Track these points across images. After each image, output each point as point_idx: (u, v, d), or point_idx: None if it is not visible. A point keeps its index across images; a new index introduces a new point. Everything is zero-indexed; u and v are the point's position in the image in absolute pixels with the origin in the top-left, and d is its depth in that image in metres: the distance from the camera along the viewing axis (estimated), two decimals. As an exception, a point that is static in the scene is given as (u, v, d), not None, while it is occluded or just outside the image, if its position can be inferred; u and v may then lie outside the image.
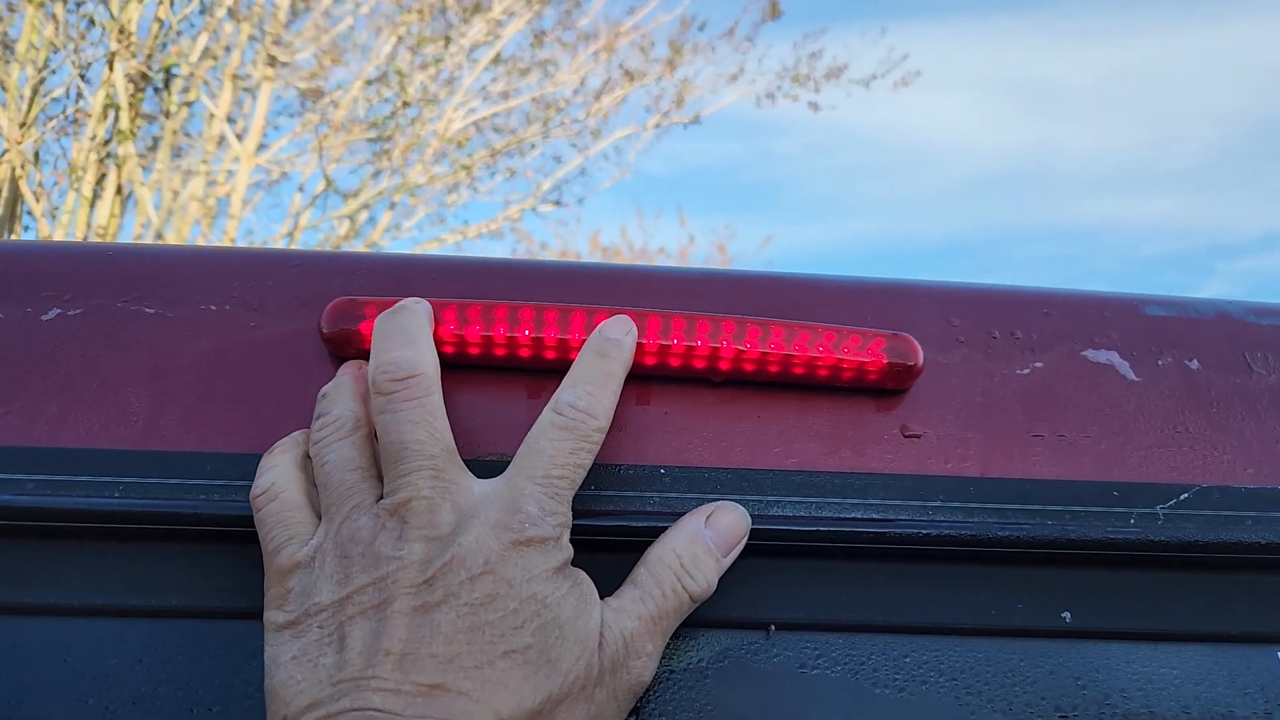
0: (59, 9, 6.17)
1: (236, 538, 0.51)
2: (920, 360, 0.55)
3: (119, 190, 6.62)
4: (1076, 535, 0.51)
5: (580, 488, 0.52)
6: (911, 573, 0.52)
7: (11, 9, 6.25)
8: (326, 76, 7.67)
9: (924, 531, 0.51)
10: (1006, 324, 0.62)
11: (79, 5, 6.36)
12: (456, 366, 0.57)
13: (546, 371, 0.58)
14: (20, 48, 6.50)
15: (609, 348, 0.52)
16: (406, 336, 0.50)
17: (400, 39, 7.26)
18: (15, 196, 5.96)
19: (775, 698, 0.49)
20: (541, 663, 0.42)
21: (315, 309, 0.59)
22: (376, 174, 7.47)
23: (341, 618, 0.42)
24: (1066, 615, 0.51)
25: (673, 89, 7.34)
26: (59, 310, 0.59)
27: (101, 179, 6.33)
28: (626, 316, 0.55)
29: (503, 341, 0.56)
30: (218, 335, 0.58)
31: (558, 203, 7.68)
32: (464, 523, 0.45)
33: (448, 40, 7.17)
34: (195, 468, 0.52)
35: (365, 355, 0.57)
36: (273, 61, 7.09)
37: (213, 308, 0.60)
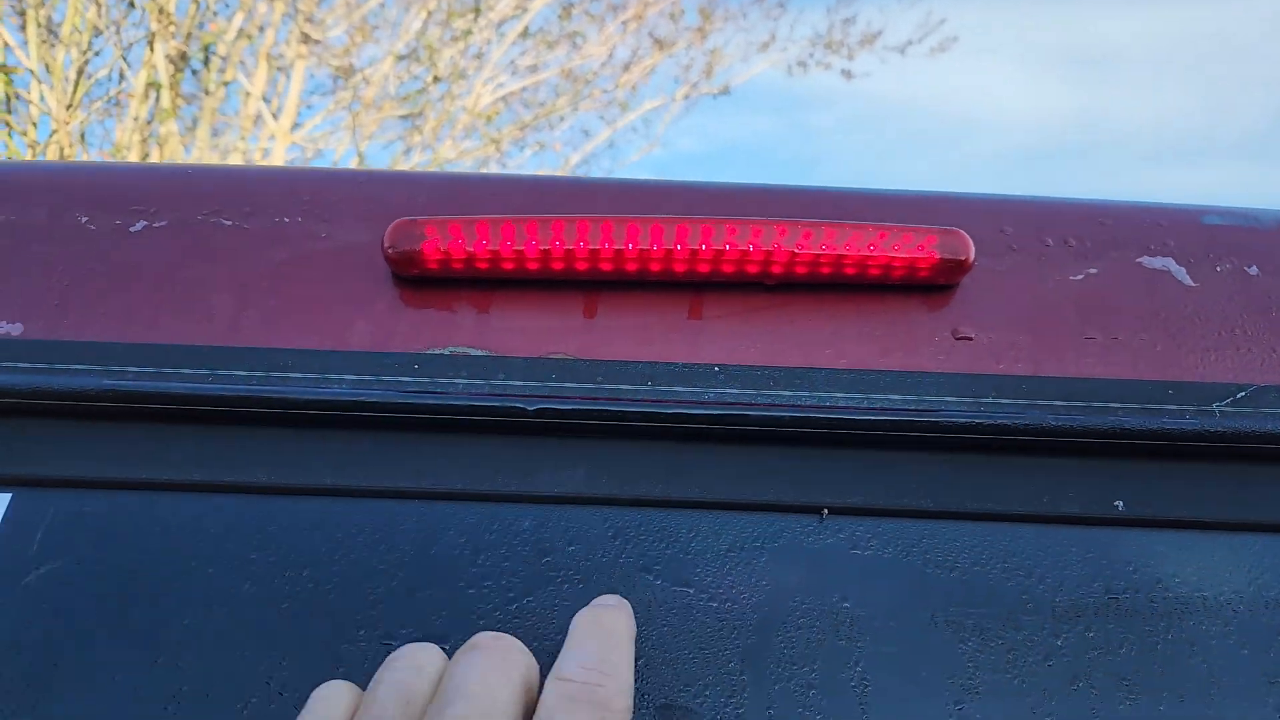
0: (101, -10, 6.27)
1: (311, 421, 0.54)
2: (971, 255, 0.56)
3: (160, 169, 6.69)
4: (1131, 426, 0.52)
5: (622, 380, 0.55)
6: (963, 462, 0.53)
7: (55, -7, 6.37)
8: (358, 54, 7.72)
9: (976, 420, 0.52)
10: (1060, 232, 0.62)
11: (119, -13, 6.46)
12: (515, 282, 0.59)
13: (603, 284, 0.60)
14: (64, 31, 6.62)
15: (604, 613, 0.44)
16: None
17: (429, 14, 7.27)
18: (62, 175, 6.06)
19: (828, 577, 0.50)
20: None
21: (381, 224, 0.62)
22: (408, 150, 7.52)
23: None
24: (1119, 504, 0.52)
25: (702, 58, 7.28)
26: (145, 223, 0.62)
27: (144, 158, 6.46)
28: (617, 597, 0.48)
29: (560, 255, 0.58)
30: (291, 246, 0.61)
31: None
32: None
33: (477, 13, 7.17)
34: (275, 361, 0.55)
35: (427, 277, 0.59)
36: (306, 39, 7.15)
37: (285, 221, 0.62)
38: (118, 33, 6.56)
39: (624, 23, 7.23)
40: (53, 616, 0.49)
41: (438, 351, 0.58)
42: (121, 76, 6.97)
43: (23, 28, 6.60)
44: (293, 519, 0.53)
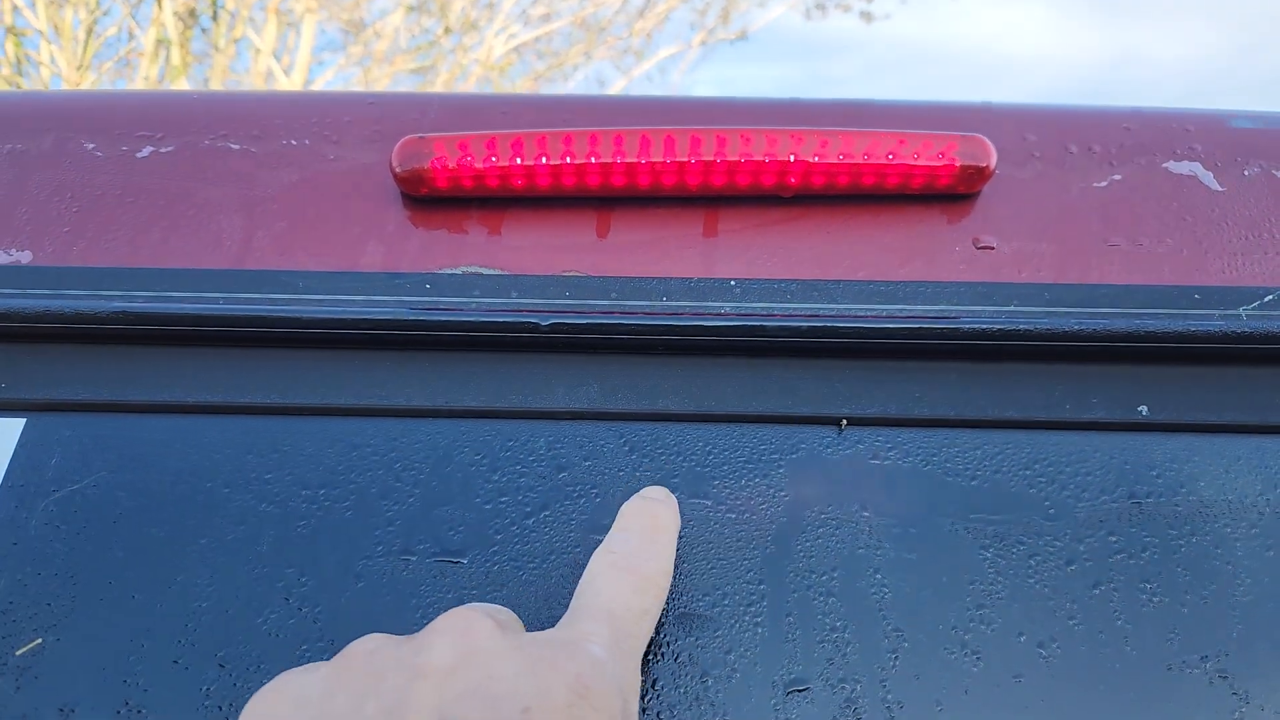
0: (106, -52, 6.21)
1: (324, 342, 0.54)
2: (993, 161, 0.55)
3: (173, 128, 6.66)
4: (1155, 329, 0.50)
5: (636, 296, 0.54)
6: (984, 371, 0.52)
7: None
8: (368, 7, 7.61)
9: (995, 327, 0.51)
10: (1084, 139, 0.60)
11: (124, -56, 6.39)
12: (526, 200, 0.58)
13: (615, 200, 0.58)
14: (71, -10, 6.57)
15: (650, 504, 0.47)
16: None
17: (440, -36, 7.14)
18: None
19: (847, 488, 0.50)
20: None
21: (389, 143, 0.61)
22: (421, 104, 7.45)
23: None
24: (1144, 409, 0.51)
25: (719, 3, 7.11)
26: (152, 149, 0.61)
27: (156, 118, 6.45)
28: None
29: (571, 171, 0.57)
30: (299, 168, 0.60)
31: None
32: None
33: (487, -38, 7.04)
34: (287, 283, 0.55)
35: (438, 198, 0.58)
36: (314, -7, 7.05)
37: (293, 143, 0.61)
38: (127, -10, 6.50)
39: (637, -33, 7.06)
40: (71, 539, 0.50)
41: (450, 271, 0.57)
42: (130, 35, 6.93)
43: (31, -12, 6.55)
44: (307, 439, 0.53)
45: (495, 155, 0.57)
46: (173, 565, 0.50)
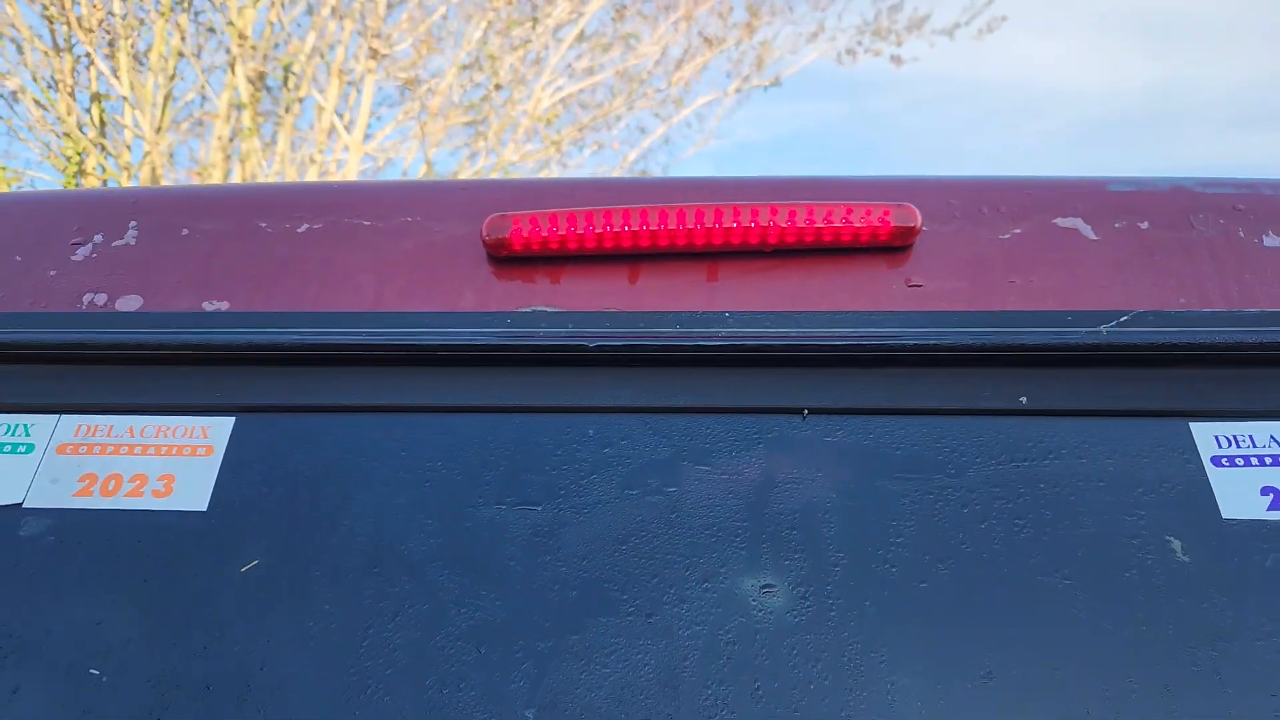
0: (183, 20, 6.75)
1: (438, 361, 0.76)
2: (919, 222, 0.75)
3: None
4: (1037, 342, 0.70)
5: (658, 325, 0.75)
6: (910, 374, 0.72)
7: (141, 23, 6.87)
8: (424, 65, 8.06)
9: (919, 342, 0.71)
10: (994, 202, 0.80)
11: (198, 15, 6.93)
12: (577, 257, 0.80)
13: (641, 256, 0.80)
14: (152, 58, 7.14)
15: None
16: None
17: (490, 24, 7.57)
18: (159, 194, 6.51)
19: (807, 459, 0.70)
20: None
21: (479, 219, 0.83)
22: (473, 155, 7.84)
23: None
24: (1024, 399, 0.70)
25: (752, 52, 7.41)
26: (308, 225, 0.85)
27: (228, 174, 6.95)
28: None
29: (610, 237, 0.79)
30: (414, 238, 0.83)
31: (644, 173, 7.91)
32: None
33: (534, 21, 7.44)
34: (409, 320, 0.78)
35: (514, 258, 0.80)
36: (374, 54, 7.52)
37: (409, 219, 0.85)
38: (199, 57, 7.04)
39: (675, 22, 7.42)
40: (275, 508, 0.72)
41: (524, 310, 0.79)
42: (204, 98, 7.48)
43: (113, 56, 7.09)
44: (426, 431, 0.75)
45: (556, 226, 0.79)
46: (345, 513, 0.71)
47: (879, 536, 0.66)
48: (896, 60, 6.90)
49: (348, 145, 7.49)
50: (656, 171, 7.74)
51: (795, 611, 0.64)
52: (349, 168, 7.44)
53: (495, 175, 7.91)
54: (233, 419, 0.76)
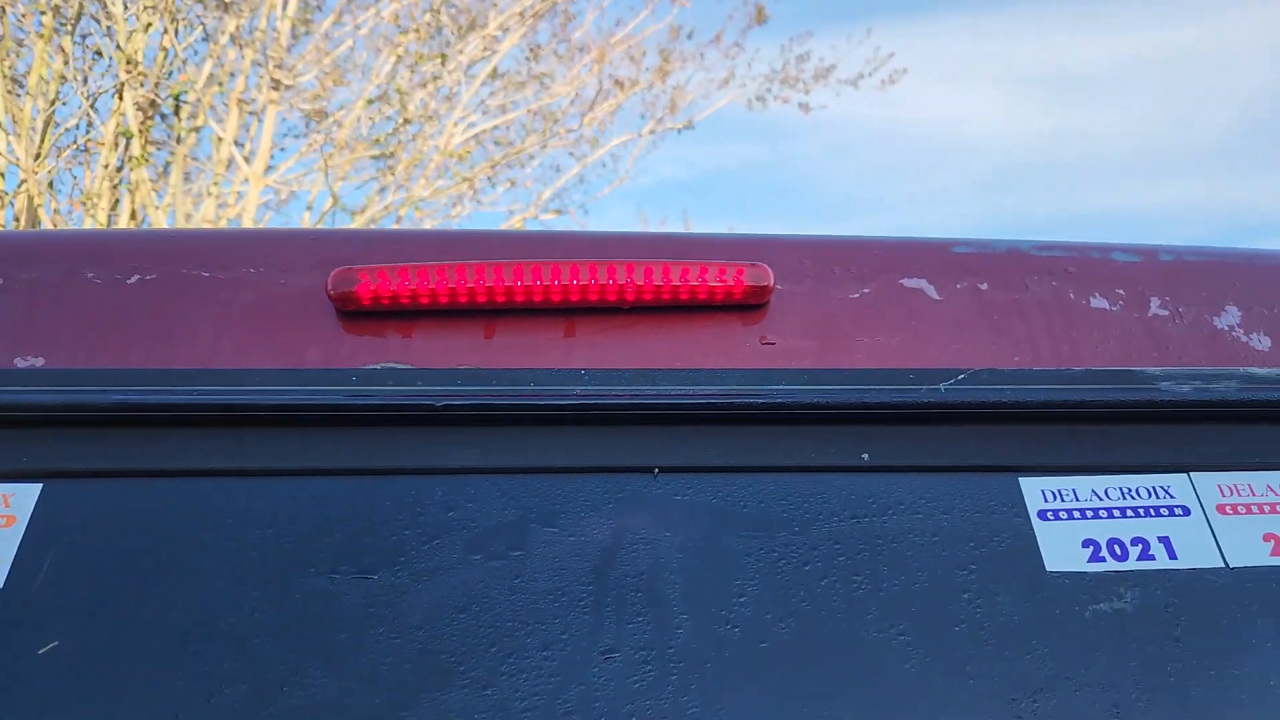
0: (66, 43, 6.44)
1: (275, 422, 0.72)
2: (772, 281, 0.76)
3: (133, 215, 6.81)
4: (879, 400, 0.71)
5: (510, 383, 0.73)
6: (759, 431, 0.72)
7: (20, 44, 6.52)
8: (329, 97, 7.90)
9: (767, 400, 0.71)
10: (845, 262, 0.82)
11: (84, 39, 6.63)
12: (429, 312, 0.77)
13: (497, 311, 0.78)
14: (31, 81, 6.76)
15: None
16: None
17: (399, 58, 7.49)
18: (34, 224, 6.17)
19: (659, 515, 0.69)
20: None
21: (325, 271, 0.80)
22: (382, 190, 7.70)
23: None
24: (865, 456, 0.71)
25: (665, 96, 7.57)
26: (139, 276, 0.80)
27: (115, 205, 6.59)
28: None
29: (464, 291, 0.77)
30: (255, 290, 0.79)
31: (559, 211, 7.92)
32: None
33: (445, 58, 7.41)
34: (245, 378, 0.73)
35: (362, 312, 0.77)
36: (276, 85, 7.33)
37: (251, 271, 0.81)
38: (85, 82, 6.70)
39: (588, 64, 7.52)
40: (83, 583, 0.67)
41: (371, 367, 0.76)
42: (89, 125, 7.11)
43: (-14, 80, 6.68)
44: (257, 497, 0.70)
45: (407, 280, 0.76)
46: (168, 601, 0.66)
47: (722, 597, 0.66)
48: (804, 107, 7.17)
49: (248, 177, 7.24)
50: (575, 210, 7.78)
51: (635, 676, 0.63)
52: (249, 200, 7.19)
53: (405, 210, 7.77)
54: (39, 485, 0.70)
